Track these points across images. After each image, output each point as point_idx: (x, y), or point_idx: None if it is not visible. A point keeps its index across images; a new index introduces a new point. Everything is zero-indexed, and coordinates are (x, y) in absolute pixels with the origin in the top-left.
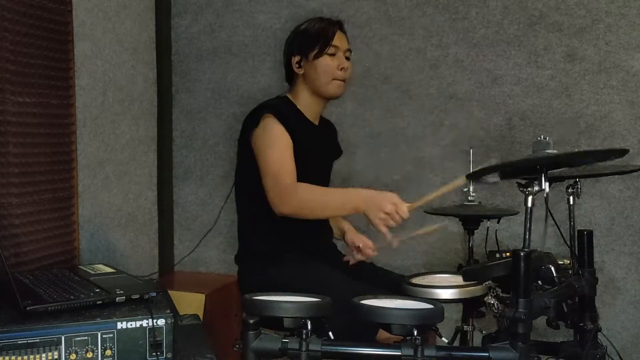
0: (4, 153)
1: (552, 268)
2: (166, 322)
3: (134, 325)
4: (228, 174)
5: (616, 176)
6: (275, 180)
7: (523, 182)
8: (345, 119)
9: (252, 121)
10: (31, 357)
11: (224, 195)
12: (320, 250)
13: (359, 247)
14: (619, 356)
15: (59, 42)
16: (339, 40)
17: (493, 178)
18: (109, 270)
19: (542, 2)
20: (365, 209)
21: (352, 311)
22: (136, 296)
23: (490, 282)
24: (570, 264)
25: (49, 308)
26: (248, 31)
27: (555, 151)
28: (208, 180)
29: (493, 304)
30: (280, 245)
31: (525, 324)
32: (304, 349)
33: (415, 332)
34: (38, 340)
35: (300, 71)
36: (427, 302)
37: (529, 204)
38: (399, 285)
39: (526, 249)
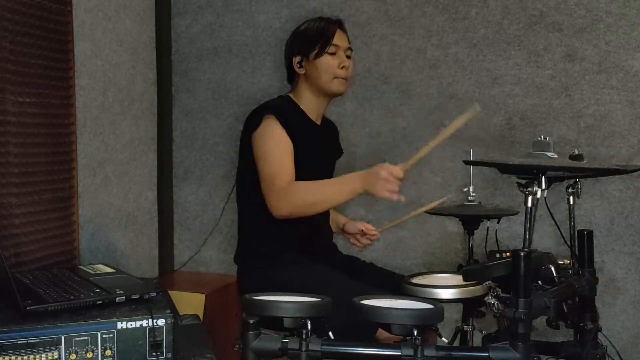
0: (4, 153)
1: (552, 268)
2: (166, 322)
3: (134, 325)
4: (228, 174)
5: (616, 176)
6: (270, 183)
7: (523, 182)
8: (345, 119)
9: (253, 122)
10: (31, 357)
11: (224, 195)
12: (320, 251)
13: (362, 230)
14: (619, 356)
15: (59, 42)
16: (339, 39)
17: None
18: (109, 270)
19: (542, 2)
20: (363, 186)
21: (352, 311)
22: (136, 296)
23: (490, 282)
24: (570, 264)
25: (49, 308)
26: (248, 31)
27: (555, 155)
28: (208, 180)
29: (493, 304)
30: (280, 246)
31: (525, 324)
32: (304, 349)
33: (415, 332)
34: (38, 340)
35: (302, 71)
36: (427, 302)
37: (529, 204)
38: (399, 285)
39: (526, 249)
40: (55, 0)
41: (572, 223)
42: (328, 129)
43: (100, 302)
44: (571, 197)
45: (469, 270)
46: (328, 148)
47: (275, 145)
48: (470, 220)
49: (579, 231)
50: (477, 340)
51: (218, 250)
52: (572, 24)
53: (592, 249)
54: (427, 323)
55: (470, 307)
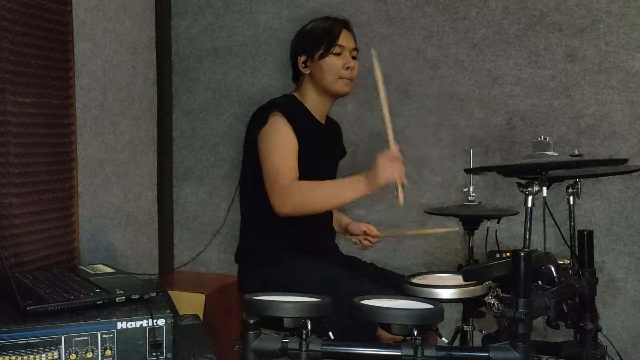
0: (4, 153)
1: (552, 268)
2: (166, 322)
3: (134, 325)
4: (228, 174)
5: (616, 176)
6: (274, 181)
7: (523, 182)
8: (345, 119)
9: (259, 119)
10: (31, 357)
11: (224, 196)
12: (321, 251)
13: (364, 231)
14: (619, 356)
15: (59, 42)
16: (344, 39)
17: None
18: (109, 270)
19: (542, 2)
20: (367, 184)
21: (352, 311)
22: (136, 296)
23: (490, 282)
24: (570, 264)
25: (49, 308)
26: (248, 31)
27: (555, 153)
28: (208, 180)
29: (493, 304)
30: (281, 245)
31: (525, 324)
32: (304, 349)
33: (415, 332)
34: (38, 340)
35: (307, 71)
36: (427, 302)
37: (529, 204)
38: (399, 285)
39: (526, 249)
40: (55, 0)
41: (572, 223)
42: (332, 128)
43: (100, 302)
44: (571, 197)
45: (469, 270)
46: (332, 148)
47: (281, 143)
48: (470, 220)
49: (579, 231)
50: (477, 340)
51: (218, 250)
52: (573, 24)
53: (592, 249)
54: (427, 323)
55: (471, 307)
